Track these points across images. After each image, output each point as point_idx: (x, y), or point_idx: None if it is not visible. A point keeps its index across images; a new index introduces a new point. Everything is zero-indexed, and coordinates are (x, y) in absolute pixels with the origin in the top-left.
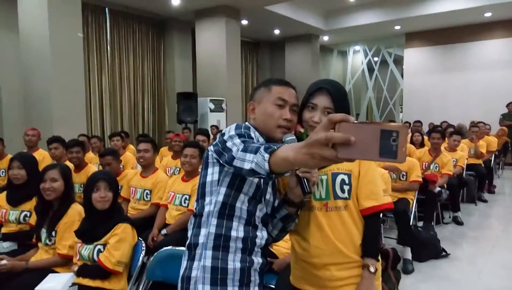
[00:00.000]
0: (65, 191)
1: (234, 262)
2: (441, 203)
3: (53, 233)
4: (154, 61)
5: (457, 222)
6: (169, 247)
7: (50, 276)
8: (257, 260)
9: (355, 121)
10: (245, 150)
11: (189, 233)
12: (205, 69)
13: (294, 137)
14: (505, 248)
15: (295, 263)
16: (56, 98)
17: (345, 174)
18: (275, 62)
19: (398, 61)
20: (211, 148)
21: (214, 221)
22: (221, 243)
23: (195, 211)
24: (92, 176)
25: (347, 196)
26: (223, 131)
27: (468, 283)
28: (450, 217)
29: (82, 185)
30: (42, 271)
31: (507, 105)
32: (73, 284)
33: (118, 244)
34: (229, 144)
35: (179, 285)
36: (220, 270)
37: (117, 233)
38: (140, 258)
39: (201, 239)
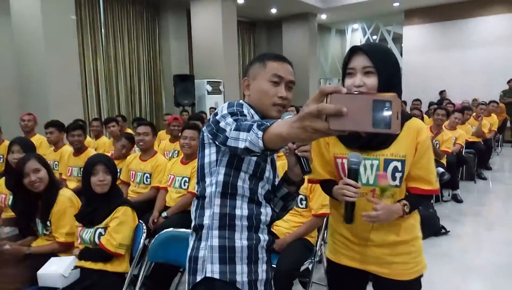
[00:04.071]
0: (49, 178)
1: (241, 241)
2: (442, 182)
3: (48, 223)
4: (149, 43)
5: (457, 199)
6: (170, 229)
7: (52, 259)
8: (264, 237)
9: (347, 92)
10: (237, 128)
11: (193, 216)
12: (201, 50)
13: (291, 116)
14: (504, 225)
15: (332, 236)
16: (51, 82)
17: (398, 160)
18: (272, 42)
19: (397, 39)
20: (205, 129)
21: (217, 201)
22: (227, 222)
23: (197, 193)
24: (90, 160)
25: (398, 184)
26: (216, 111)
27: (468, 260)
28: (449, 195)
29: (81, 169)
30: (45, 256)
31: (508, 82)
32: (75, 267)
33: (119, 227)
34: (222, 124)
35: (187, 265)
36: (228, 248)
37: (118, 216)
38: (141, 240)
39: (206, 220)
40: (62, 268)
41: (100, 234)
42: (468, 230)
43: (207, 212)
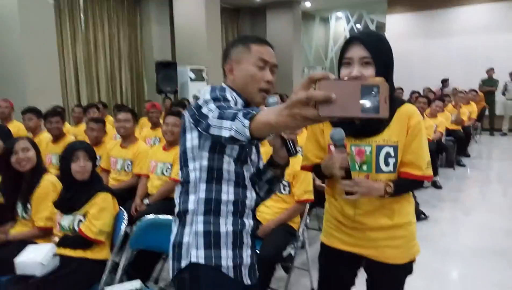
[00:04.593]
0: (36, 161)
1: (226, 226)
2: None
3: (28, 206)
4: (130, 28)
5: (436, 186)
6: (152, 216)
7: (30, 247)
8: (249, 222)
9: (335, 78)
10: (221, 116)
11: (177, 201)
12: (184, 37)
13: (276, 100)
14: (482, 210)
15: (329, 221)
16: (28, 68)
17: (390, 146)
18: (256, 29)
19: (381, 28)
20: (186, 113)
21: (203, 186)
22: (212, 207)
23: (180, 179)
24: (70, 146)
25: (392, 169)
26: (198, 95)
27: (446, 244)
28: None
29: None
30: (23, 243)
31: (487, 71)
32: (55, 254)
33: (99, 213)
34: (204, 110)
35: (171, 251)
36: (213, 234)
37: (97, 202)
38: (122, 228)
39: (190, 205)
40: (41, 256)
41: (80, 221)
42: (446, 215)
43: (192, 197)
